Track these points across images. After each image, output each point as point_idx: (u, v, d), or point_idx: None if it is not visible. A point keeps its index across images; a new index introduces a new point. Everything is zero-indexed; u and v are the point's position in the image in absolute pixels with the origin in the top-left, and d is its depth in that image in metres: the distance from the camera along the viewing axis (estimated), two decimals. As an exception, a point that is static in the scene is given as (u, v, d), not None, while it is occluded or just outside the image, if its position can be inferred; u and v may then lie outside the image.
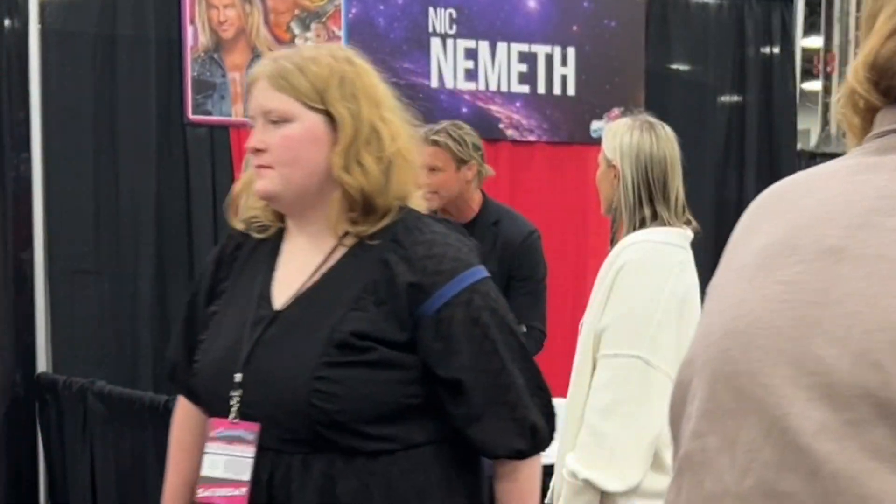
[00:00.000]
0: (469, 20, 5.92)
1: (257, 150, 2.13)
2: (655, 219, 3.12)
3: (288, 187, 2.13)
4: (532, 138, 6.05)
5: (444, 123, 4.49)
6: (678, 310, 3.03)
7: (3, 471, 5.17)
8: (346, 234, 2.15)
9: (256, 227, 2.26)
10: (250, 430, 2.10)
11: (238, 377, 2.11)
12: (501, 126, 5.97)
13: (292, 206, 2.19)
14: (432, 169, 4.33)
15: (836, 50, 12.30)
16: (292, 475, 2.07)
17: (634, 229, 3.11)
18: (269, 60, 2.19)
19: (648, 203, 3.12)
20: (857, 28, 12.05)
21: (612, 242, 3.18)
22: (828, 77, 12.48)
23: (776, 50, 6.66)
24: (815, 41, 12.85)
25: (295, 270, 2.18)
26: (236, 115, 5.48)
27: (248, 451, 2.09)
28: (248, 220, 2.27)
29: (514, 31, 5.99)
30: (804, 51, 10.60)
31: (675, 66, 6.51)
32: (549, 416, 2.21)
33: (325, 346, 2.07)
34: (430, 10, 5.84)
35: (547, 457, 3.32)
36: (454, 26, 5.87)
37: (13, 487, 5.22)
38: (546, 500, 3.31)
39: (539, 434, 2.19)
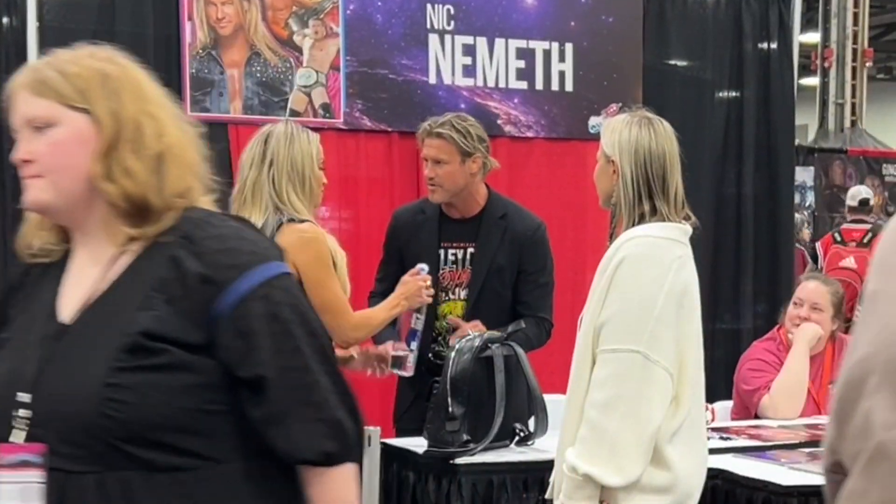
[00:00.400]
0: (467, 16, 5.92)
1: (24, 162, 2.00)
2: (655, 214, 3.12)
3: (59, 195, 2.00)
4: (530, 134, 6.06)
5: (449, 115, 4.47)
6: (677, 304, 3.04)
7: None
8: (132, 239, 2.00)
9: (44, 252, 2.10)
10: (36, 453, 1.93)
11: (24, 397, 1.95)
12: (499, 122, 5.98)
13: (68, 215, 2.04)
14: (437, 161, 4.34)
15: (833, 45, 12.33)
16: (87, 498, 1.92)
17: (633, 224, 3.12)
18: (26, 70, 2.07)
19: (648, 198, 3.13)
20: (855, 23, 12.06)
21: (611, 237, 3.18)
22: (825, 72, 12.50)
23: (774, 45, 6.65)
24: (813, 37, 12.88)
25: (82, 284, 2.03)
26: (234, 111, 5.49)
27: (37, 476, 1.93)
28: (38, 249, 2.10)
29: (512, 27, 6.00)
30: (802, 46, 10.62)
31: (672, 62, 6.51)
32: (357, 420, 2.03)
33: (115, 351, 1.92)
34: (428, 6, 5.84)
35: (546, 452, 3.34)
36: (452, 22, 5.88)
37: None
38: (546, 495, 3.33)
39: (348, 437, 2.01)
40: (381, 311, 4.06)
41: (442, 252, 4.46)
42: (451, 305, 4.45)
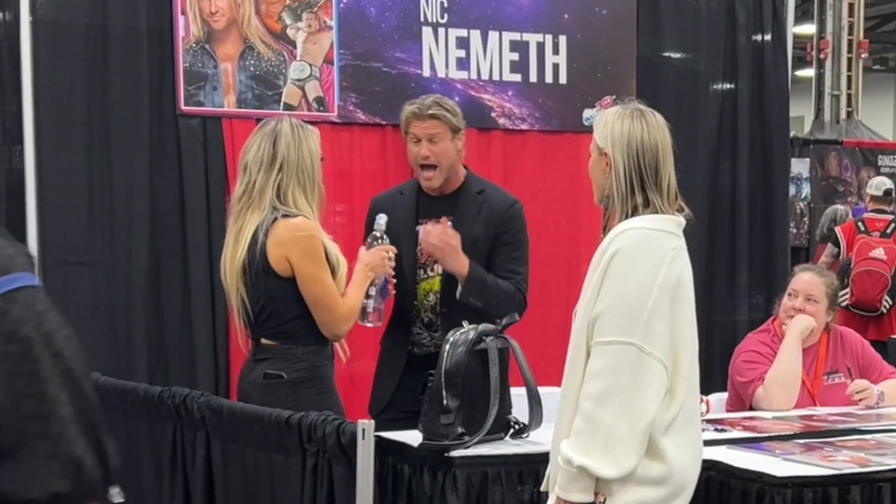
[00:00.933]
0: (460, 9, 5.92)
1: None
2: (648, 206, 3.12)
3: None
4: (524, 127, 6.06)
5: (431, 97, 4.56)
6: (671, 296, 3.04)
7: (-2, 463, 5.17)
8: None
9: None
10: None
11: None
12: (493, 115, 5.98)
13: None
14: (432, 140, 4.42)
15: (829, 37, 12.34)
16: None
17: (627, 217, 3.12)
18: None
19: (640, 190, 3.13)
20: (850, 15, 12.06)
21: (605, 230, 3.18)
22: (821, 64, 12.51)
23: (768, 37, 6.66)
24: (808, 28, 12.89)
25: None
26: (228, 105, 5.48)
27: None
28: None
29: (506, 19, 6.00)
30: (798, 38, 10.62)
31: (666, 54, 6.51)
32: (103, 456, 1.82)
33: None
34: (422, -1, 5.85)
35: (541, 444, 3.34)
36: (446, 15, 5.87)
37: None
38: (541, 488, 3.33)
39: (86, 476, 1.77)
40: (355, 295, 4.08)
41: (420, 228, 4.50)
42: (430, 283, 4.50)
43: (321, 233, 4.05)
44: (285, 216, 3.99)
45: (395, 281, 4.29)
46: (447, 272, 4.44)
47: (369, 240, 4.19)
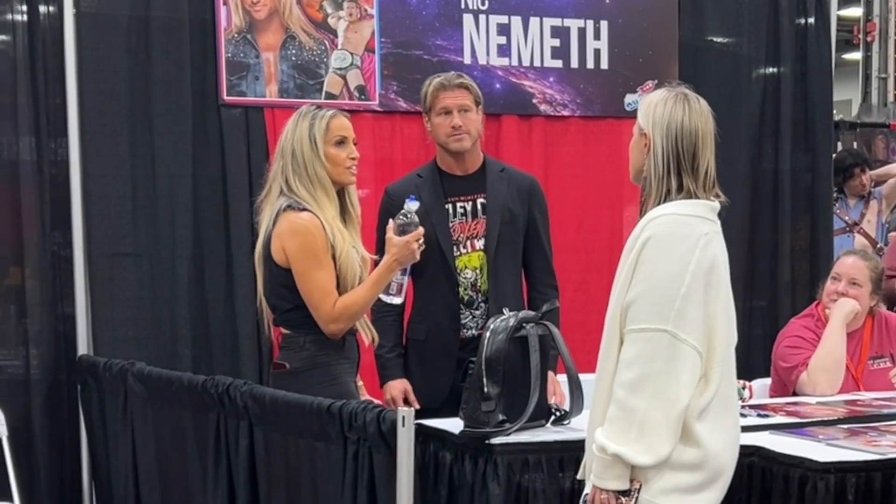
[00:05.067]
0: (501, -5, 5.91)
1: None
2: (682, 190, 3.12)
3: None
4: (566, 113, 6.04)
5: (451, 73, 4.68)
6: (704, 282, 3.03)
7: (46, 451, 5.23)
8: None
9: None
10: None
11: None
12: (535, 101, 5.96)
13: None
14: (463, 109, 4.52)
15: (875, 19, 12.22)
16: None
17: (661, 200, 3.12)
18: None
19: (676, 174, 3.13)
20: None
21: (642, 212, 3.19)
22: (868, 47, 12.39)
23: (811, 20, 6.59)
24: (855, 11, 12.77)
25: None
26: (270, 95, 5.50)
27: None
28: None
29: (547, 5, 5.97)
30: (844, 20, 10.52)
31: (708, 38, 6.46)
32: None
33: None
34: (462, -15, 5.83)
35: (582, 431, 3.34)
36: (486, 2, 5.86)
37: (57, 467, 5.28)
38: (577, 476, 3.33)
39: None
40: (364, 294, 4.04)
41: (449, 206, 4.57)
42: (466, 258, 4.53)
43: (333, 224, 4.03)
44: (290, 207, 4.00)
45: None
46: (490, 247, 4.48)
47: (399, 221, 4.06)
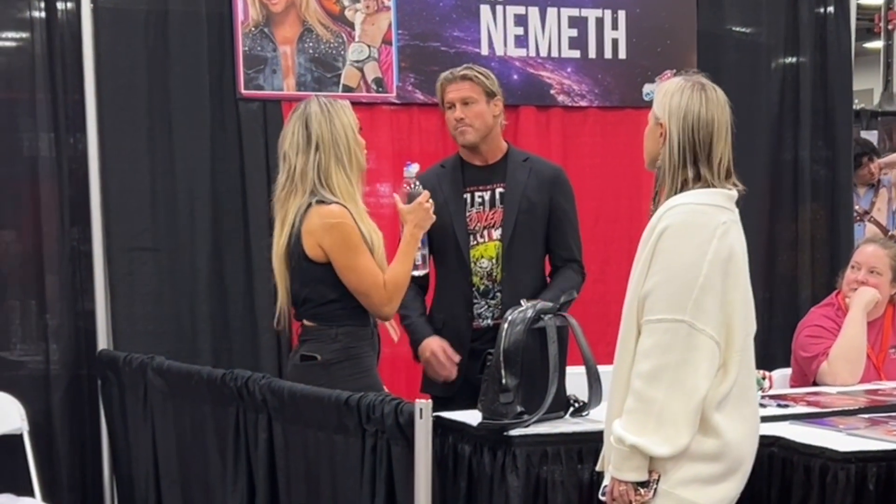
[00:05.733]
0: (518, -14, 5.89)
1: None
2: (698, 180, 3.11)
3: None
4: (584, 104, 6.02)
5: (464, 65, 4.70)
6: (722, 271, 3.02)
7: (67, 446, 5.25)
8: None
9: None
10: None
11: None
12: (553, 92, 5.94)
13: None
14: (465, 103, 4.55)
15: (898, 8, 12.15)
16: None
17: (676, 191, 3.11)
18: None
19: (692, 164, 3.12)
20: (919, -14, 11.87)
21: (654, 201, 3.17)
22: (889, 35, 12.32)
23: (831, 9, 6.55)
24: (876, -1, 12.70)
25: None
26: (288, 88, 5.50)
27: None
28: None
29: (564, -5, 5.96)
30: (866, 9, 10.45)
31: (727, 27, 6.43)
32: None
33: None
34: (479, -24, 5.82)
35: (601, 422, 3.34)
36: (503, -7, 5.85)
37: (78, 462, 5.30)
38: (596, 468, 3.33)
39: None
40: (401, 267, 4.11)
41: (467, 196, 4.62)
42: (483, 248, 4.54)
43: (360, 213, 4.07)
44: (320, 202, 4.01)
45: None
46: (506, 236, 4.48)
47: (404, 189, 4.19)
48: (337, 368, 4.05)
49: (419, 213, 4.14)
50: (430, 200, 4.18)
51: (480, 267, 4.56)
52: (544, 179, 4.62)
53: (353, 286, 4.03)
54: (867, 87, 12.96)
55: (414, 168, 4.23)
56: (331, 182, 4.03)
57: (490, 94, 4.57)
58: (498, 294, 4.54)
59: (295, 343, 4.35)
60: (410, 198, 4.16)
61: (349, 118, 4.11)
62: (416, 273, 4.22)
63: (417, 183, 4.20)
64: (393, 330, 4.29)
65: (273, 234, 4.21)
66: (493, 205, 4.58)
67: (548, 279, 4.70)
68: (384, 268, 4.07)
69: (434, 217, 4.19)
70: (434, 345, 4.52)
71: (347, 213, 4.01)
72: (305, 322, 4.16)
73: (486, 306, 4.55)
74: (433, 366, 4.49)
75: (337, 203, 4.00)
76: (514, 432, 3.55)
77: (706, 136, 3.12)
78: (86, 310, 5.29)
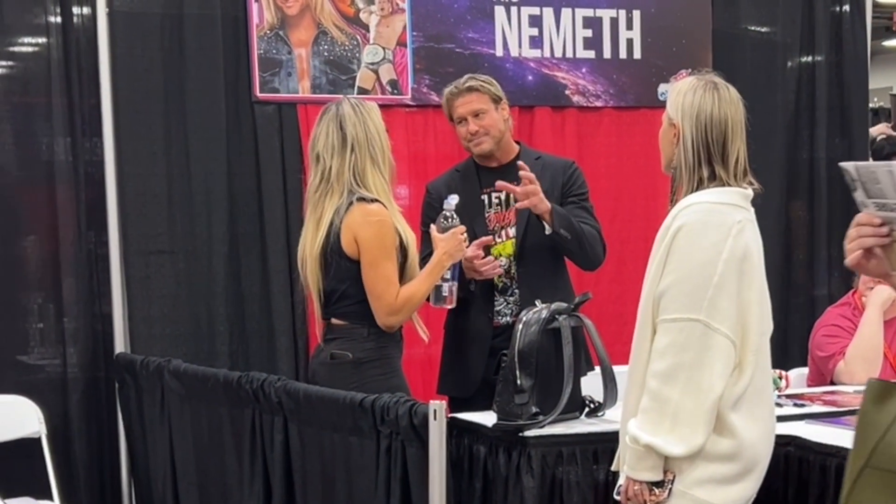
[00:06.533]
0: (532, -14, 5.89)
1: None
2: (714, 179, 3.11)
3: None
4: (599, 104, 6.02)
5: (465, 76, 4.69)
6: (737, 270, 3.01)
7: (85, 449, 5.27)
8: None
9: None
10: None
11: None
12: (568, 93, 5.95)
13: None
14: (477, 114, 4.55)
15: (917, 6, 12.12)
16: None
17: (693, 190, 3.11)
18: None
19: (707, 164, 3.12)
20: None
21: (672, 202, 3.17)
22: (908, 33, 12.30)
23: (846, 7, 6.54)
24: (896, -4, 12.67)
25: None
26: (303, 91, 5.51)
27: None
28: None
29: (578, -5, 5.95)
30: (884, 7, 10.42)
31: (743, 26, 6.42)
32: None
33: None
34: (494, -22, 5.82)
35: (616, 423, 3.33)
36: (518, -6, 5.85)
37: (96, 465, 5.32)
38: (612, 468, 3.32)
39: None
40: (420, 287, 4.14)
41: (485, 198, 4.63)
42: (501, 247, 4.57)
43: (395, 215, 4.10)
44: (361, 200, 4.04)
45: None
46: (520, 231, 4.48)
47: (441, 220, 4.24)
48: (368, 367, 4.07)
49: (451, 242, 4.17)
50: (465, 235, 4.23)
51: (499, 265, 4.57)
52: (556, 173, 4.62)
53: (368, 285, 4.04)
54: (885, 86, 12.95)
55: (454, 200, 4.26)
56: (367, 182, 4.07)
57: (497, 100, 4.59)
58: (516, 291, 4.54)
59: (314, 342, 4.36)
60: (445, 230, 4.22)
61: (379, 120, 4.17)
62: (444, 306, 4.29)
63: (455, 216, 4.24)
64: (423, 330, 4.31)
65: (302, 236, 4.24)
66: (508, 204, 4.59)
67: (569, 275, 4.70)
68: (415, 268, 4.09)
69: (464, 250, 4.24)
70: (469, 252, 4.43)
71: (388, 214, 4.05)
72: (334, 320, 4.18)
73: (504, 303, 4.56)
74: (477, 268, 4.45)
75: (379, 202, 4.03)
76: (530, 433, 3.55)
77: (720, 135, 3.12)
78: (103, 313, 5.31)
